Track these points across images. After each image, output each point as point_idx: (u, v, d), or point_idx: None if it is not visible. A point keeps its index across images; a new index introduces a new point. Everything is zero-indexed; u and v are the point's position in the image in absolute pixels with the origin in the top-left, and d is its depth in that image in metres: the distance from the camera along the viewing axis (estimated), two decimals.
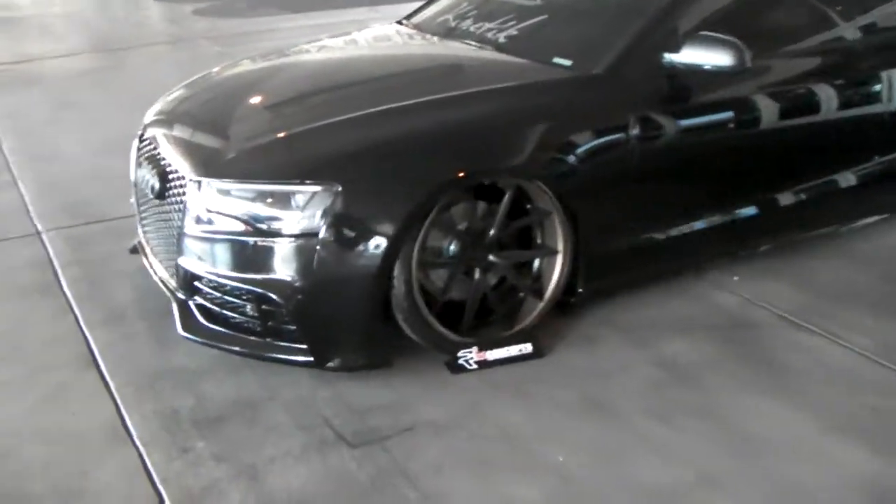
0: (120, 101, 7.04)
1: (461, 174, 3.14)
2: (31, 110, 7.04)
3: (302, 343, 3.13)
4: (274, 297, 3.05)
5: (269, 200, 3.06)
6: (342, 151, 3.14)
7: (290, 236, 3.02)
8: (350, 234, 3.01)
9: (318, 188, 3.00)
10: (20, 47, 9.85)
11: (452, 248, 3.28)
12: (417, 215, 3.04)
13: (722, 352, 3.41)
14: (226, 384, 3.22)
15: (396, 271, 3.07)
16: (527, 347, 3.36)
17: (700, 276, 3.96)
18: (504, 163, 3.22)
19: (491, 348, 3.31)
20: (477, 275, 3.31)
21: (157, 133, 3.68)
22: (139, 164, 3.71)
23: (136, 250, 3.87)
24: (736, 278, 3.96)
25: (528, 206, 3.37)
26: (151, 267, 3.63)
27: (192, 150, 3.44)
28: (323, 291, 3.06)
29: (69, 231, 4.55)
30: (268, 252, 3.05)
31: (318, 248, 3.00)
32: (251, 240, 3.07)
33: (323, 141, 3.23)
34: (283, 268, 3.03)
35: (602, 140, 3.37)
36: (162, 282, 3.50)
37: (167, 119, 3.81)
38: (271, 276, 3.05)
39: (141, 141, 3.80)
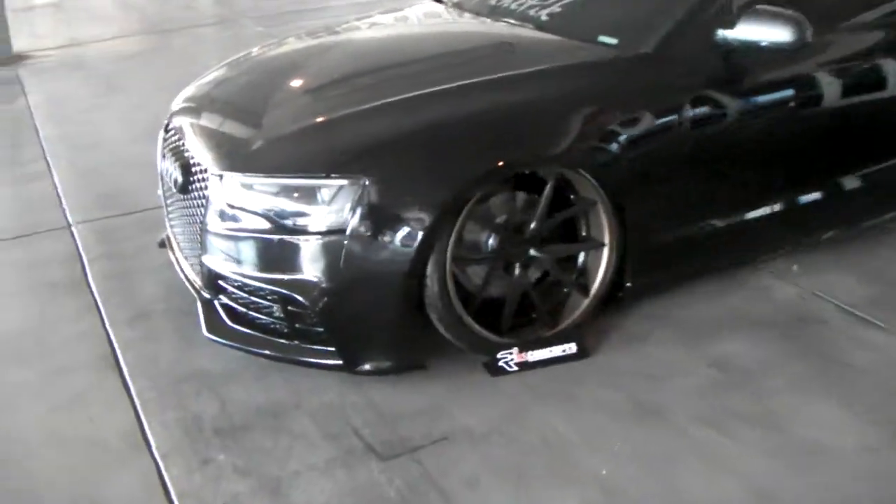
0: (163, 85, 6.86)
1: (500, 164, 2.91)
2: (74, 96, 6.95)
3: (330, 346, 2.93)
4: (300, 298, 2.86)
5: (294, 196, 2.85)
6: (370, 142, 2.92)
7: (316, 233, 2.81)
8: (379, 230, 2.79)
9: (344, 182, 2.79)
10: (68, 31, 9.80)
11: (490, 242, 3.05)
12: (452, 209, 2.82)
13: (781, 351, 3.14)
14: (252, 389, 3.04)
15: (429, 269, 2.86)
16: (571, 347, 3.12)
17: (757, 267, 3.67)
18: (546, 151, 2.98)
19: (532, 349, 3.08)
20: (517, 271, 3.08)
21: (183, 122, 3.50)
22: (164, 156, 3.54)
23: (164, 244, 3.71)
24: (796, 268, 3.66)
25: (572, 197, 3.12)
26: (178, 263, 3.46)
27: (216, 141, 3.25)
28: (351, 292, 2.86)
29: (101, 223, 4.41)
30: (293, 250, 2.85)
31: (345, 245, 2.79)
32: (275, 237, 2.87)
33: (351, 130, 3.00)
34: (309, 267, 2.83)
35: (651, 124, 3.09)
36: (187, 279, 3.33)
37: (195, 106, 3.62)
38: (297, 275, 2.85)
39: (167, 130, 3.63)
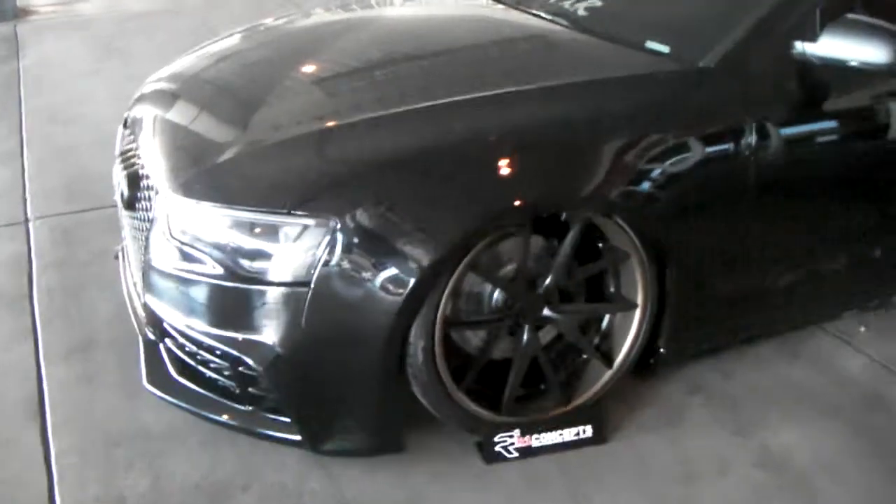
0: (165, 52, 6.24)
1: (517, 203, 2.26)
2: (68, 59, 6.33)
3: (288, 418, 2.34)
4: (251, 362, 2.25)
5: (250, 235, 2.22)
6: (347, 170, 2.29)
7: (273, 284, 2.19)
8: (351, 284, 2.18)
9: (309, 222, 2.16)
10: None
11: (495, 299, 2.43)
12: (447, 261, 2.19)
13: (846, 448, 2.50)
14: (195, 459, 2.45)
15: (414, 334, 2.24)
16: (586, 430, 2.50)
17: (818, 328, 3.03)
18: (575, 189, 2.31)
19: (538, 431, 2.47)
20: (526, 334, 2.46)
21: (144, 115, 2.88)
22: (117, 157, 2.92)
23: (118, 257, 3.11)
24: (863, 330, 3.02)
25: (600, 245, 2.49)
26: (126, 286, 2.85)
27: (173, 149, 2.61)
28: (314, 358, 2.24)
29: (62, 219, 3.81)
30: (245, 302, 2.23)
31: (308, 300, 2.17)
32: (224, 284, 2.25)
33: (332, 151, 2.38)
34: (263, 325, 2.22)
35: (707, 154, 2.42)
36: (133, 311, 2.73)
37: (165, 95, 2.98)
38: (249, 334, 2.24)
39: (125, 126, 3.02)
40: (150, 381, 2.54)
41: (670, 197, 2.39)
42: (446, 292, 2.23)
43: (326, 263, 2.16)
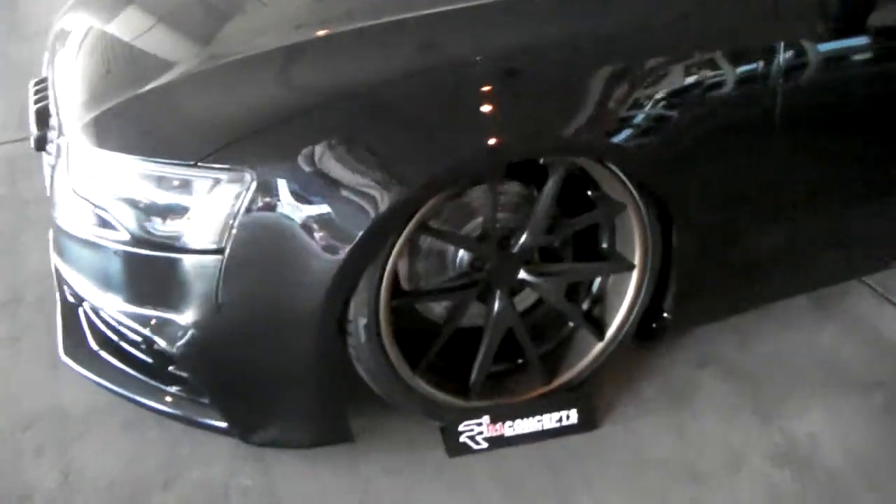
0: None
1: (480, 147, 1.77)
2: None
3: (213, 407, 1.96)
4: (164, 344, 1.87)
5: (154, 191, 1.78)
6: (264, 110, 1.80)
7: (183, 252, 1.77)
8: (273, 251, 1.75)
9: (220, 176, 1.73)
10: None
11: (461, 257, 2.01)
12: (392, 219, 1.74)
13: (887, 438, 2.06)
14: (113, 448, 2.09)
15: (353, 310, 1.82)
16: (571, 416, 2.09)
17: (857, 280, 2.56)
18: (555, 128, 1.81)
19: (512, 416, 2.06)
20: (498, 303, 2.03)
21: (68, 34, 2.43)
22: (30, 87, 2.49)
23: None
24: None
25: (589, 193, 2.03)
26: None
27: (85, 79, 2.17)
28: (235, 340, 1.83)
29: (8, 149, 3.42)
30: (154, 274, 1.82)
31: (222, 272, 1.76)
32: (132, 251, 1.82)
33: (239, 88, 1.90)
34: (174, 302, 1.81)
35: (724, 83, 1.91)
36: (54, 267, 2.34)
37: (95, 6, 2.53)
38: (159, 312, 1.84)
39: (51, 45, 2.58)
40: (67, 352, 2.15)
41: (676, 136, 1.89)
42: (391, 259, 1.79)
43: (243, 226, 1.73)
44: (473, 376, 2.02)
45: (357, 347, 1.88)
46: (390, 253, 1.78)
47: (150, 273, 1.84)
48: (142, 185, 1.78)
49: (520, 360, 2.13)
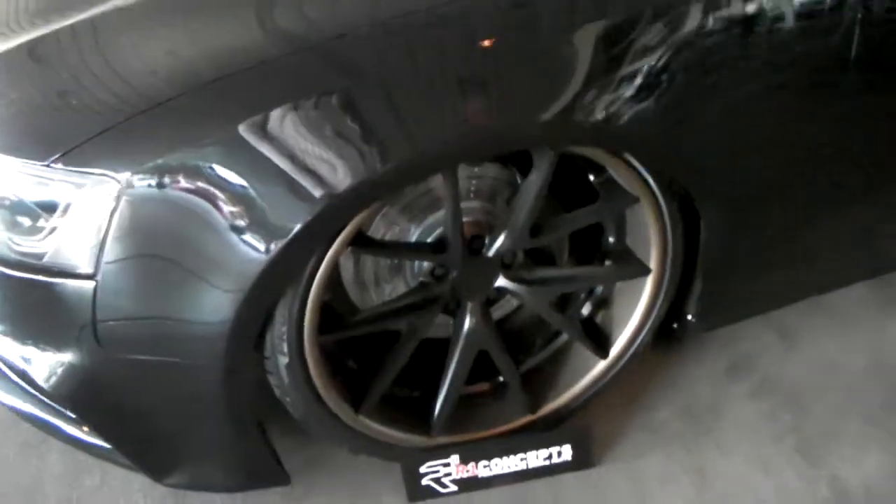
0: None
1: (429, 144, 1.25)
2: None
3: (113, 449, 1.55)
4: (38, 379, 1.43)
5: (11, 197, 1.32)
6: (143, 94, 1.28)
7: (48, 274, 1.31)
8: (159, 276, 1.28)
9: (82, 181, 1.24)
10: None
11: (412, 274, 1.55)
12: (312, 236, 1.25)
13: None
14: (9, 471, 1.71)
15: (269, 346, 1.37)
16: (563, 451, 1.65)
17: None
18: (536, 113, 1.28)
19: (488, 456, 1.63)
20: (468, 319, 1.54)
21: None
22: None
23: None
24: None
25: (591, 178, 1.51)
26: None
27: None
28: (123, 380, 1.40)
29: None
30: (15, 298, 1.39)
31: (96, 301, 1.31)
32: None
33: (111, 61, 1.38)
34: (43, 331, 1.38)
35: (771, 17, 1.36)
36: None
37: None
38: (28, 343, 1.41)
39: None
40: None
41: (703, 102, 1.36)
42: (315, 287, 1.33)
43: (117, 244, 1.27)
44: (436, 411, 1.57)
45: (280, 388, 1.44)
46: (312, 279, 1.32)
47: (15, 298, 1.40)
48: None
49: (500, 379, 1.68)
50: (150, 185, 1.24)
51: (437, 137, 1.24)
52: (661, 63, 1.32)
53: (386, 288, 1.58)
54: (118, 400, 1.45)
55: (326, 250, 1.30)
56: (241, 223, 1.24)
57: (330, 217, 1.25)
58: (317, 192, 1.22)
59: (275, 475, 1.57)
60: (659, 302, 1.61)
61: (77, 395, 1.43)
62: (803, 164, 1.54)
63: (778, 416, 1.73)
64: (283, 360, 1.39)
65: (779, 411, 1.74)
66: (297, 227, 1.23)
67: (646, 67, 1.30)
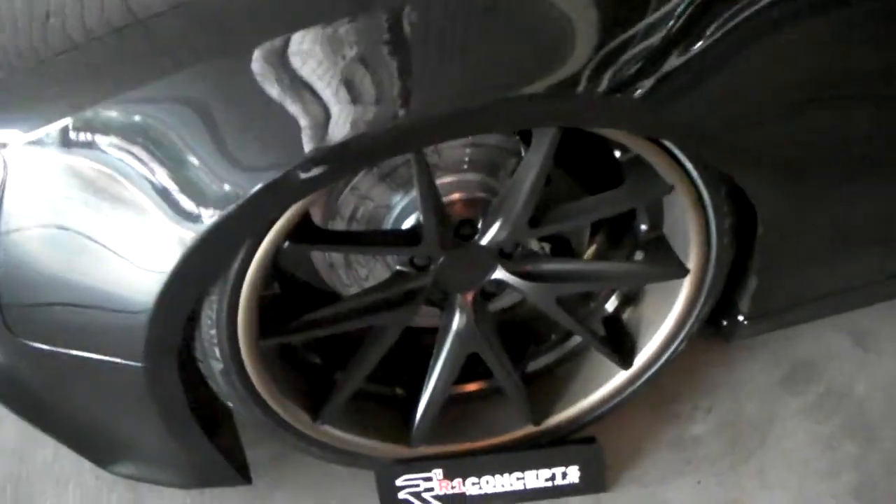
0: None
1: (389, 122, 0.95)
2: None
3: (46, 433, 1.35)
4: None
5: None
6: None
7: None
8: (64, 256, 1.04)
9: None
10: None
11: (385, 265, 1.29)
12: (240, 224, 0.99)
13: None
14: None
15: (199, 349, 1.14)
16: (569, 472, 1.37)
17: None
18: (520, 84, 0.96)
19: (479, 472, 1.37)
20: (457, 317, 1.26)
21: None
22: None
23: None
24: None
25: (617, 155, 1.18)
26: None
27: None
28: (42, 369, 1.19)
29: None
30: None
31: None
32: None
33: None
34: None
35: None
36: None
37: None
38: None
39: None
40: None
41: (755, 64, 1.03)
42: (247, 285, 1.06)
43: (11, 221, 1.04)
44: (417, 418, 1.31)
45: (220, 393, 1.21)
46: (242, 277, 1.05)
47: None
48: None
49: (488, 385, 1.41)
50: (44, 151, 0.99)
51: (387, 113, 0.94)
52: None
53: (360, 271, 1.31)
54: (42, 389, 1.25)
55: (258, 244, 1.03)
56: (152, 204, 0.98)
57: (256, 205, 0.98)
58: (236, 175, 0.95)
59: (228, 477, 1.35)
60: (699, 304, 1.29)
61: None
62: (879, 150, 1.19)
63: (838, 443, 1.41)
64: (217, 367, 1.14)
65: (840, 437, 1.42)
66: (214, 216, 0.97)
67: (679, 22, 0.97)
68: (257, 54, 0.95)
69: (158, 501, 1.44)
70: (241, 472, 1.35)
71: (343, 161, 0.97)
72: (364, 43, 0.94)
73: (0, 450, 1.52)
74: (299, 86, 0.94)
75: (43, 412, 1.29)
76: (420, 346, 1.38)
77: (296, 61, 0.94)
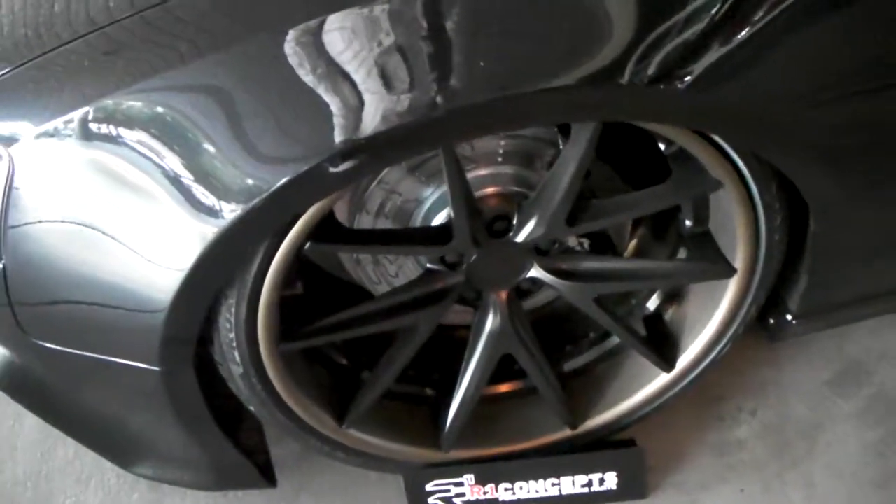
0: None
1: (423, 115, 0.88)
2: None
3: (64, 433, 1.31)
4: None
5: None
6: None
7: None
8: (72, 261, 0.99)
9: None
10: None
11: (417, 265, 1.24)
12: (248, 233, 0.94)
13: None
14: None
15: (218, 353, 1.09)
16: (606, 479, 1.31)
17: None
18: (547, 76, 0.89)
19: (512, 478, 1.31)
20: (490, 317, 1.20)
21: None
22: None
23: None
24: None
25: (662, 148, 1.11)
26: None
27: None
28: (61, 369, 1.15)
29: None
30: None
31: (7, 285, 1.03)
32: None
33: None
34: None
35: None
36: None
37: None
38: None
39: None
40: None
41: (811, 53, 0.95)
42: (267, 288, 1.01)
43: (17, 220, 0.99)
44: (448, 421, 1.26)
45: (241, 397, 1.15)
46: (262, 280, 1.00)
47: None
48: None
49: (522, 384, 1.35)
50: (55, 144, 0.95)
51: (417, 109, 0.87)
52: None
53: (389, 268, 1.25)
54: (58, 389, 1.21)
55: (279, 242, 0.97)
56: (170, 198, 0.93)
57: (280, 201, 0.92)
58: (260, 168, 0.90)
59: (252, 479, 1.30)
60: (746, 305, 1.22)
61: (13, 383, 1.20)
62: None
63: (890, 450, 1.33)
64: (236, 370, 1.09)
65: (892, 444, 1.34)
66: (236, 211, 0.91)
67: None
68: (282, 39, 0.89)
69: (180, 503, 1.40)
70: (265, 474, 1.31)
71: (375, 154, 0.90)
72: (399, 29, 0.88)
73: (21, 447, 1.49)
74: (328, 73, 0.88)
75: (60, 412, 1.26)
76: (453, 342, 1.33)
77: (325, 47, 0.89)
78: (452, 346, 1.30)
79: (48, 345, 1.09)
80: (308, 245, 1.00)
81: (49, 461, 1.47)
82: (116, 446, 1.30)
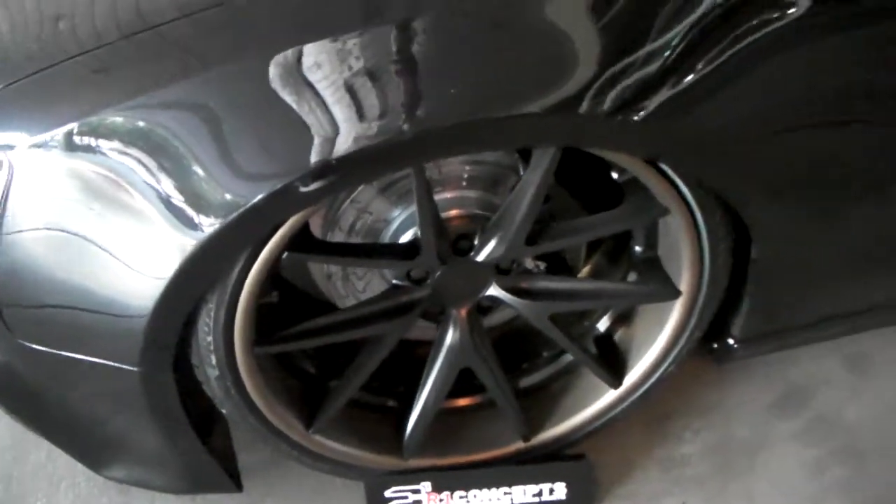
0: None
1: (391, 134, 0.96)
2: None
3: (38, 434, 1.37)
4: None
5: None
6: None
7: None
8: (60, 266, 1.06)
9: None
10: None
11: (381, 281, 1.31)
12: (243, 233, 1.01)
13: None
14: None
15: (195, 354, 1.15)
16: (556, 489, 1.38)
17: None
18: (501, 106, 0.98)
19: (466, 486, 1.38)
20: (451, 332, 1.28)
21: None
22: None
23: None
24: None
25: (614, 176, 1.20)
26: None
27: None
28: (39, 372, 1.21)
29: None
30: None
31: None
32: None
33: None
34: None
35: None
36: None
37: None
38: None
39: None
40: None
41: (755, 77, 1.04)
42: (245, 294, 1.08)
43: (15, 223, 1.05)
44: (408, 430, 1.33)
45: (214, 399, 1.22)
46: (240, 286, 1.07)
47: None
48: None
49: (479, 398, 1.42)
50: (49, 154, 1.01)
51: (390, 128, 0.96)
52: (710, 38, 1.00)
53: (357, 284, 1.33)
54: (38, 390, 1.26)
55: (257, 253, 1.05)
56: (154, 211, 1.00)
57: (257, 215, 0.99)
58: (238, 184, 0.97)
59: (221, 483, 1.36)
60: (690, 326, 1.31)
61: None
62: (876, 174, 1.21)
63: (827, 467, 1.42)
64: (213, 373, 1.16)
65: (830, 462, 1.43)
66: (215, 224, 0.98)
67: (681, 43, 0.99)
68: (263, 64, 0.97)
69: None
70: (232, 478, 1.37)
71: (346, 174, 0.98)
72: (370, 56, 0.96)
73: None
74: (304, 97, 0.95)
75: (37, 413, 1.30)
76: (414, 357, 1.40)
77: (302, 73, 0.97)
78: (416, 361, 1.37)
79: (32, 345, 1.16)
80: (285, 255, 1.08)
81: (21, 464, 1.52)
82: (89, 449, 1.35)
